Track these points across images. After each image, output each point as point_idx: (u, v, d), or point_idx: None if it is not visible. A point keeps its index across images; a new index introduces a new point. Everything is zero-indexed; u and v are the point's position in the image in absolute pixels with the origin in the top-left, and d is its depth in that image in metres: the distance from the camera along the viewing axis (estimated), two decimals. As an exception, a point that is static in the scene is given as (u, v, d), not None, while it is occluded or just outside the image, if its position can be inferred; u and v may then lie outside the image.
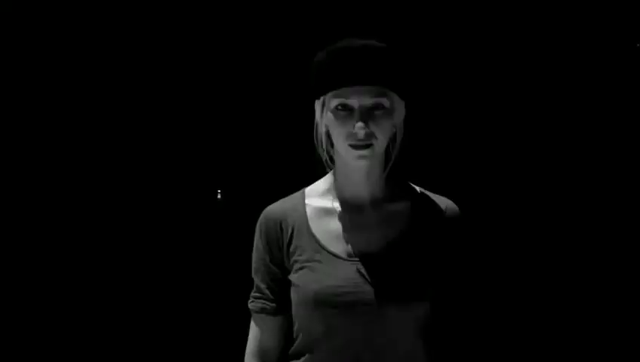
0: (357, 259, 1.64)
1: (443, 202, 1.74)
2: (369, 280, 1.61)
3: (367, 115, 1.59)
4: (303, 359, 1.66)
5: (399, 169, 1.72)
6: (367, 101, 1.59)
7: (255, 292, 1.74)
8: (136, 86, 3.94)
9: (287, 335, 1.71)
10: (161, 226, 3.96)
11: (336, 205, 1.69)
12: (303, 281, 1.64)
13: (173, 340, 3.95)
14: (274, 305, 1.71)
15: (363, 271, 1.62)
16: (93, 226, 3.94)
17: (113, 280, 3.95)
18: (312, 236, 1.67)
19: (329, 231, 1.68)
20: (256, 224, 1.74)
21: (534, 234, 3.87)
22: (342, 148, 1.63)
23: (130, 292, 3.96)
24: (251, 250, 1.75)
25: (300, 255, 1.66)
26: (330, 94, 1.62)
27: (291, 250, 1.68)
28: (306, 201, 1.72)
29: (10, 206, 3.93)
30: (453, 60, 3.82)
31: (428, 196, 1.74)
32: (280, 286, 1.70)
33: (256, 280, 1.74)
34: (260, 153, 3.91)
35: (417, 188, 1.76)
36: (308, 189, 1.75)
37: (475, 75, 3.86)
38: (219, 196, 3.99)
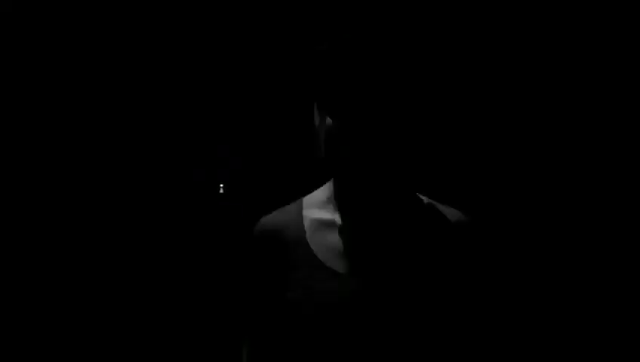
0: (359, 276, 1.51)
1: (453, 214, 1.60)
2: (372, 300, 1.48)
3: None
4: (299, 384, 1.53)
5: (405, 178, 1.59)
6: None
7: (248, 310, 1.61)
8: (138, 83, 3.90)
9: (283, 357, 1.58)
10: (164, 220, 3.92)
11: (337, 217, 1.56)
12: (300, 301, 1.51)
13: (173, 338, 3.90)
14: (268, 324, 1.58)
15: (365, 289, 1.49)
16: (93, 223, 3.90)
17: (114, 276, 3.90)
18: (310, 251, 1.53)
19: (328, 245, 1.54)
20: (258, 219, 1.60)
21: (541, 242, 3.74)
22: None
23: (131, 288, 3.91)
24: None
25: (297, 271, 1.53)
26: None
27: (288, 265, 1.55)
28: (304, 213, 1.58)
29: (10, 203, 3.89)
30: (458, 61, 3.70)
31: (436, 207, 1.61)
32: (275, 304, 1.57)
33: (249, 296, 1.61)
34: (263, 149, 3.84)
35: (425, 199, 1.62)
36: (306, 199, 1.61)
37: (479, 76, 3.73)
38: (221, 191, 3.95)
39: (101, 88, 3.91)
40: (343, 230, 1.55)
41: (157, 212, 3.94)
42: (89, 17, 3.83)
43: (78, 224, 3.93)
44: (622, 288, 3.73)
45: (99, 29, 3.86)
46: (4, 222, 3.89)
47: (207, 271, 3.91)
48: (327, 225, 1.56)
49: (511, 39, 3.72)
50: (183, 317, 3.90)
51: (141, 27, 3.85)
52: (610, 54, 3.69)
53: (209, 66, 3.93)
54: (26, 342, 3.89)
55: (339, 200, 1.57)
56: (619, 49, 3.67)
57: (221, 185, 3.92)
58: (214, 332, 3.76)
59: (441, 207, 1.61)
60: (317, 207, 1.58)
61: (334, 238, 1.54)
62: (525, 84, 3.73)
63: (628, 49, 3.64)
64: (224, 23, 3.86)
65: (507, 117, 3.74)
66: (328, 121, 1.49)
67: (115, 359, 3.88)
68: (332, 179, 1.59)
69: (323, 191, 1.61)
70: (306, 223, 1.56)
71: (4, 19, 3.79)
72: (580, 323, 3.74)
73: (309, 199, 1.61)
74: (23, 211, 3.92)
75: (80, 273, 3.91)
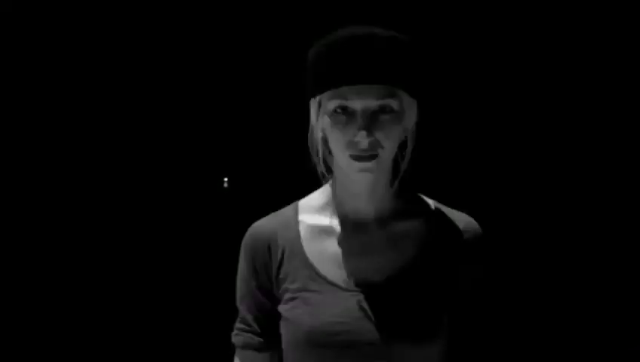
0: (359, 289, 1.38)
1: (462, 220, 1.46)
2: (372, 315, 1.36)
3: (372, 120, 1.31)
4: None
5: (410, 180, 1.48)
6: (372, 103, 1.31)
7: (240, 323, 1.49)
8: (141, 80, 3.89)
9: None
10: (167, 215, 3.90)
11: (335, 223, 1.43)
12: (295, 315, 1.39)
13: (175, 336, 3.88)
14: (261, 339, 1.45)
15: (365, 304, 1.36)
16: (97, 221, 3.89)
17: (117, 273, 3.88)
18: (306, 260, 1.41)
19: (326, 254, 1.41)
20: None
21: (560, 252, 3.64)
22: (341, 158, 1.36)
23: (135, 286, 3.89)
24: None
25: (292, 282, 1.41)
26: (327, 94, 1.35)
27: (281, 276, 1.42)
28: (300, 218, 1.45)
29: (11, 203, 3.90)
30: (471, 53, 3.58)
31: (444, 213, 1.47)
32: (268, 318, 1.44)
33: (241, 309, 1.48)
34: (267, 143, 3.80)
35: (431, 203, 1.49)
36: (302, 203, 1.49)
37: (496, 71, 3.61)
38: (225, 184, 3.89)
39: (101, 88, 3.93)
40: (341, 238, 1.42)
41: (162, 202, 3.92)
42: (89, 17, 3.85)
43: (76, 222, 3.92)
44: (624, 291, 3.64)
45: (99, 29, 3.87)
46: (4, 222, 3.90)
47: (207, 269, 3.86)
48: (324, 231, 1.44)
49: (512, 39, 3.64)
50: (180, 316, 3.86)
51: (141, 27, 3.85)
52: (610, 54, 3.60)
53: (209, 66, 3.90)
54: (25, 342, 3.88)
55: (337, 206, 1.44)
56: (619, 49, 3.59)
57: (225, 179, 3.86)
58: (209, 338, 3.70)
59: (449, 212, 1.48)
60: (313, 211, 1.46)
61: (332, 247, 1.42)
62: (529, 85, 3.64)
63: (628, 49, 3.56)
64: (224, 22, 3.84)
65: (514, 115, 3.65)
66: (326, 119, 1.37)
67: (115, 359, 3.86)
68: (329, 182, 1.47)
69: (319, 195, 1.48)
70: (302, 229, 1.44)
71: (4, 19, 3.84)
72: (582, 327, 3.65)
73: (305, 203, 1.49)
74: (28, 203, 3.94)
75: (83, 267, 3.90)
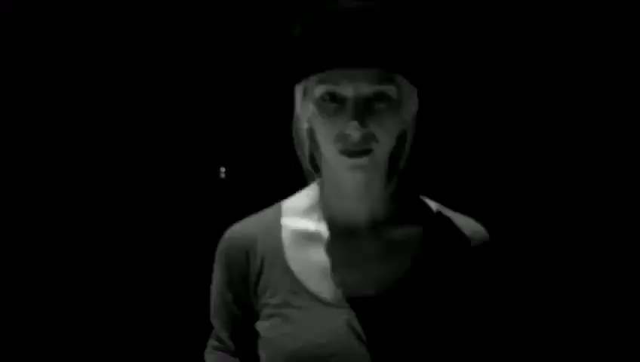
0: (348, 305, 1.22)
1: (468, 226, 1.30)
2: (363, 335, 1.19)
3: (365, 110, 1.16)
4: None
5: (409, 180, 1.32)
6: (366, 90, 1.16)
7: (213, 340, 1.33)
8: (138, 83, 3.89)
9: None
10: (162, 207, 3.86)
11: (323, 228, 1.27)
12: (274, 335, 1.23)
13: (173, 335, 3.83)
14: (236, 359, 1.30)
15: (355, 322, 1.20)
16: (91, 215, 3.86)
17: (113, 269, 3.83)
18: (289, 271, 1.25)
19: (311, 264, 1.25)
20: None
21: (574, 260, 3.50)
22: (330, 153, 1.20)
23: (129, 282, 3.84)
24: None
25: (272, 296, 1.25)
26: (313, 78, 1.19)
27: (260, 288, 1.26)
28: (282, 221, 1.29)
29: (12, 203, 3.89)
30: (481, 34, 3.42)
31: (447, 217, 1.31)
32: (245, 336, 1.28)
33: (216, 325, 1.33)
34: (266, 131, 3.74)
35: (433, 206, 1.32)
36: (286, 204, 1.33)
37: (509, 56, 3.44)
38: (222, 175, 3.80)
39: (102, 90, 3.95)
40: (329, 245, 1.26)
41: (152, 199, 3.88)
42: (89, 20, 3.88)
43: (70, 216, 3.90)
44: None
45: (99, 31, 3.89)
46: (5, 223, 3.89)
47: (205, 265, 3.78)
48: (310, 238, 1.28)
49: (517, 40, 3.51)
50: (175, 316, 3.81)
51: (142, 28, 3.85)
52: (610, 55, 3.49)
53: (206, 57, 3.87)
54: (25, 342, 3.86)
55: (325, 208, 1.27)
56: (619, 50, 3.49)
57: (222, 169, 3.77)
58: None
59: (454, 217, 1.32)
60: (298, 214, 1.30)
61: (318, 255, 1.26)
62: (544, 71, 3.50)
63: (629, 49, 3.45)
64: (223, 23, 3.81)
65: (526, 107, 3.51)
66: (312, 107, 1.21)
67: (107, 357, 3.81)
68: (317, 181, 1.30)
69: (306, 195, 1.32)
70: (285, 235, 1.28)
71: (4, 21, 3.86)
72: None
73: (289, 205, 1.32)
74: (25, 199, 3.94)
75: (80, 263, 3.86)
